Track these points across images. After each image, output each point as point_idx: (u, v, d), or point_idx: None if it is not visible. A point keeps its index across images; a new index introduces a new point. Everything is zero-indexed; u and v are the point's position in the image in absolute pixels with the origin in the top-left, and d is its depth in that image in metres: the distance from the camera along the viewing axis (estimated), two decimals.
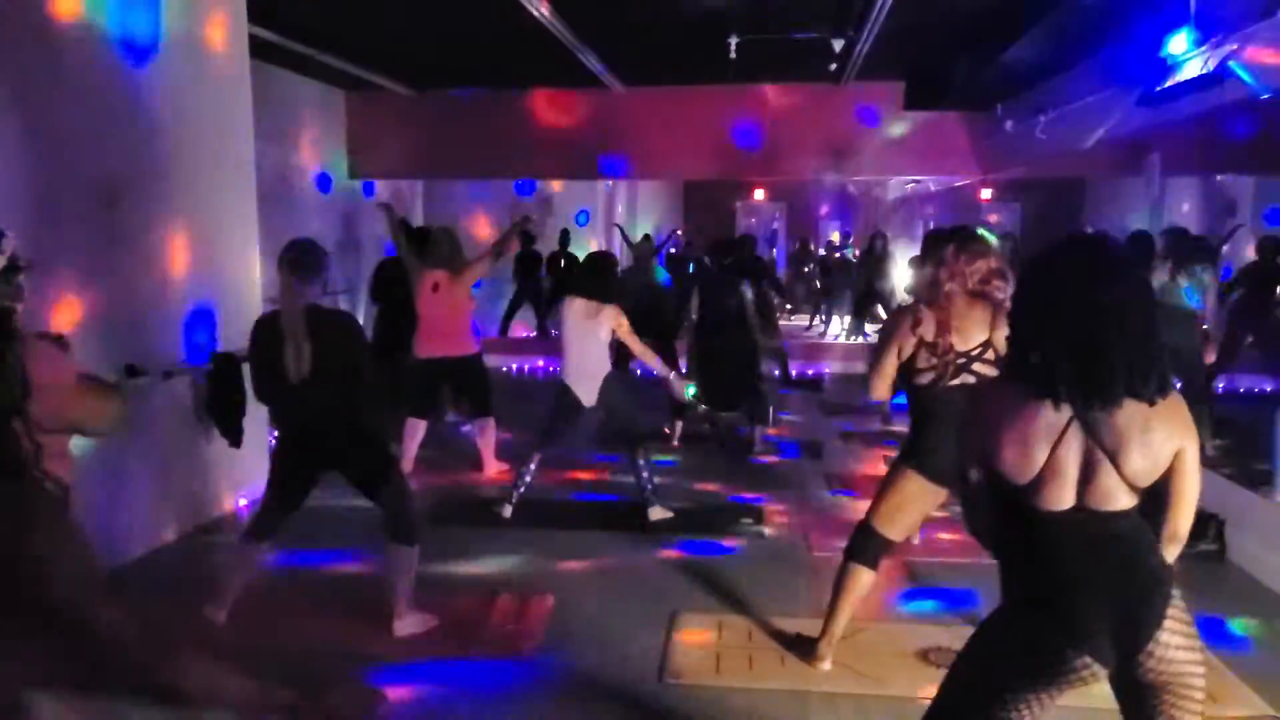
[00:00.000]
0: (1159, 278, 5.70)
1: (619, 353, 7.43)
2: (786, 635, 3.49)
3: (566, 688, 3.15)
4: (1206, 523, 4.47)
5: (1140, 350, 1.66)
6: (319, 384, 3.24)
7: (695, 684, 3.17)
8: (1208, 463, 5.02)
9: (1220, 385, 6.92)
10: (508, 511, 4.82)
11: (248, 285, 5.14)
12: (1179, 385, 6.22)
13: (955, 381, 2.92)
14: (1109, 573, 1.73)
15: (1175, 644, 1.72)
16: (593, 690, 3.13)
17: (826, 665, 3.23)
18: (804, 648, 3.32)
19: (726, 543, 4.58)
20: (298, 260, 3.30)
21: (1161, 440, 1.70)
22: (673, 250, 11.90)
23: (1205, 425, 5.66)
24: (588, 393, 4.70)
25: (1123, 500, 1.72)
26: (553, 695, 3.10)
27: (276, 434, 3.47)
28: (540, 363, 9.86)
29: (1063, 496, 1.72)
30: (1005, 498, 1.78)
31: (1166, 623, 1.71)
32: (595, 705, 3.04)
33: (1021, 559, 1.82)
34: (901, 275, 8.99)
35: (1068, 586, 1.74)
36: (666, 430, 6.61)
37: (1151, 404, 1.68)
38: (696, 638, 3.51)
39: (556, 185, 11.70)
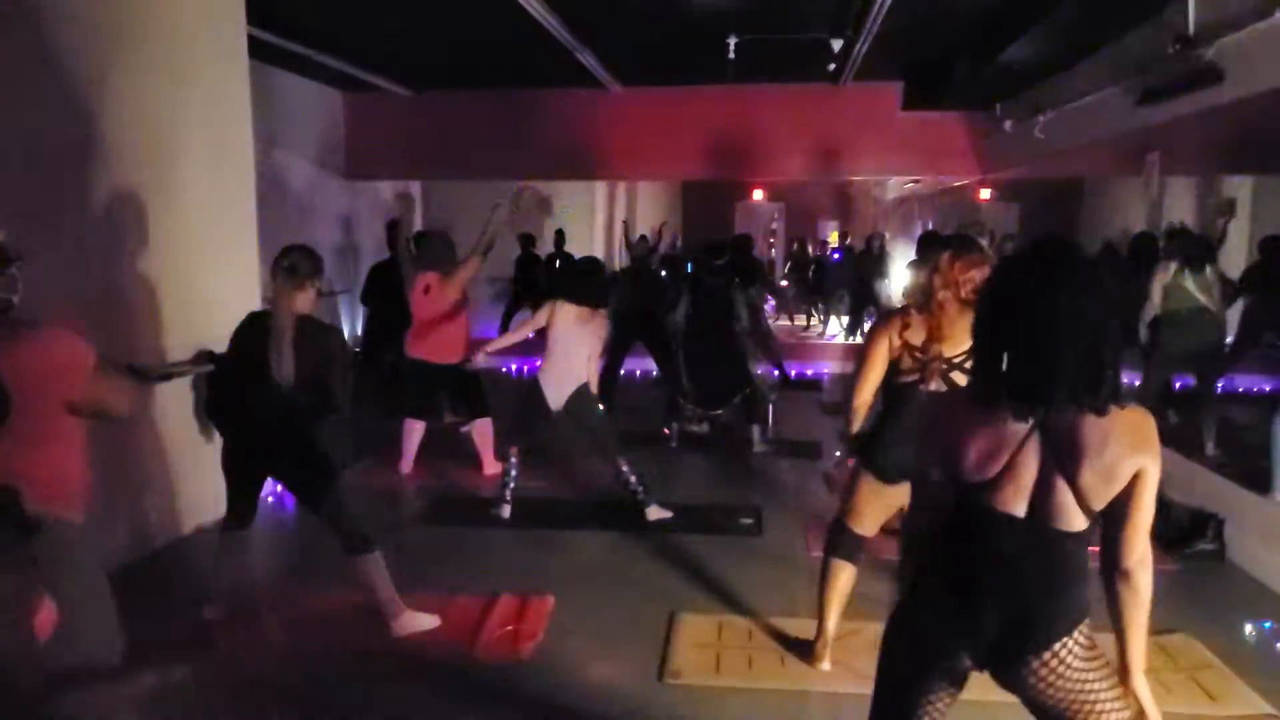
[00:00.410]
0: (1163, 277, 5.69)
1: (612, 355, 7.45)
2: (787, 637, 3.50)
3: (567, 687, 3.15)
4: (1206, 522, 4.48)
5: (1089, 358, 1.61)
6: (290, 391, 3.25)
7: (695, 684, 3.17)
8: (1208, 462, 5.06)
9: (1220, 385, 6.92)
10: (506, 512, 4.83)
11: (247, 286, 5.13)
12: (1193, 384, 6.20)
13: (933, 387, 2.96)
14: (1022, 580, 1.71)
15: (1063, 671, 1.68)
16: (593, 690, 3.13)
17: (826, 665, 3.25)
18: (802, 649, 3.34)
19: (726, 543, 4.58)
20: (293, 266, 3.31)
21: (1118, 457, 1.64)
22: (666, 251, 11.78)
23: (1210, 425, 5.66)
24: (556, 397, 4.72)
25: (1076, 521, 1.68)
26: (553, 695, 3.10)
27: (227, 433, 3.49)
28: (540, 363, 9.84)
29: (1016, 503, 1.70)
30: (960, 494, 1.77)
31: (1057, 647, 1.68)
32: (595, 705, 3.04)
33: (952, 544, 1.80)
34: (899, 277, 8.98)
35: (975, 581, 1.74)
36: (665, 430, 6.61)
37: (1101, 414, 1.63)
38: (696, 638, 3.51)
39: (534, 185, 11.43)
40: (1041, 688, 1.70)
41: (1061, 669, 1.68)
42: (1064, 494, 1.67)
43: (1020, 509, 1.70)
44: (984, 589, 1.73)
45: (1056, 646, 1.68)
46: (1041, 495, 1.68)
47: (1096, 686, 1.70)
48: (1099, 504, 1.68)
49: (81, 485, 2.12)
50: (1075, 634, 1.70)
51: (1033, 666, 1.69)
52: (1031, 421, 1.67)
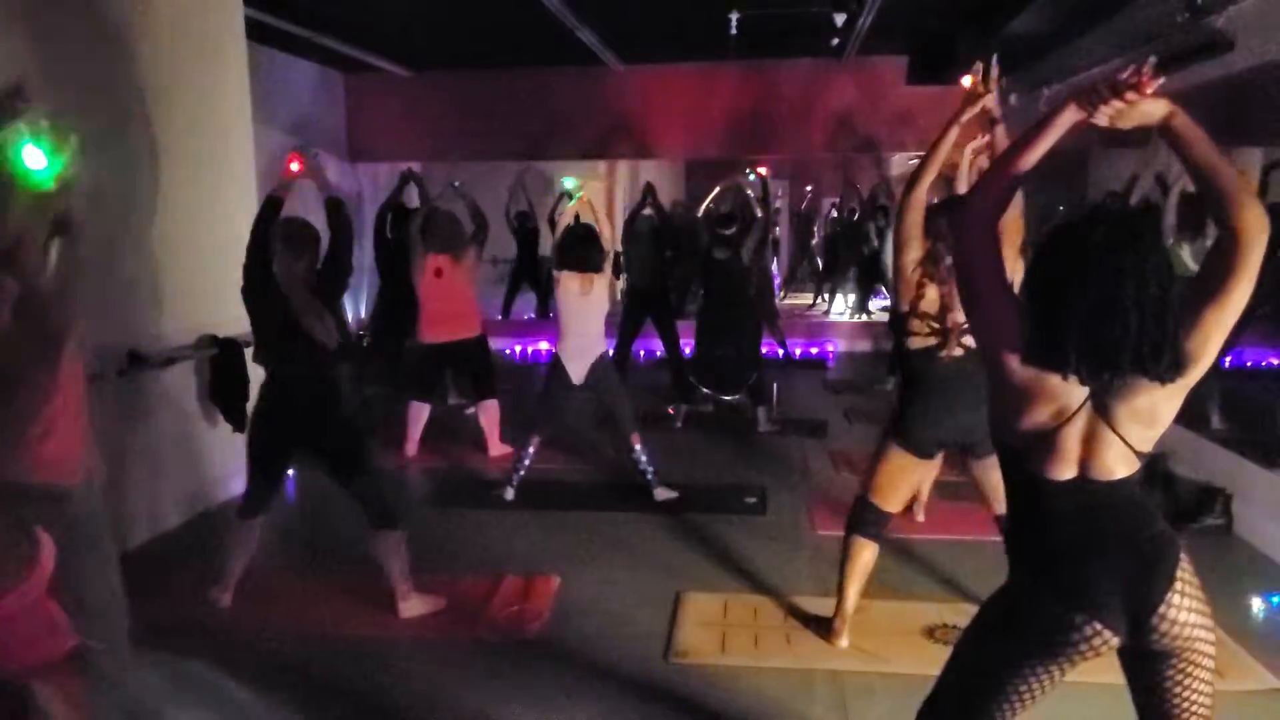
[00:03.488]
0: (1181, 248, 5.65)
1: (623, 332, 7.43)
2: (794, 614, 3.50)
3: (572, 667, 3.16)
4: (1213, 497, 4.45)
5: (1154, 323, 1.57)
6: (338, 350, 3.31)
7: (701, 663, 3.17)
8: (1215, 437, 5.03)
9: (1227, 359, 6.88)
10: (510, 494, 4.83)
11: None
12: None
13: (955, 352, 2.98)
14: (1114, 539, 1.70)
15: (1186, 607, 1.68)
16: (598, 670, 3.14)
17: (844, 642, 3.25)
18: (820, 626, 3.35)
19: (731, 522, 4.58)
20: (291, 236, 3.36)
21: (1161, 401, 1.66)
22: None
23: (1214, 397, 5.63)
24: (578, 370, 4.69)
25: (1120, 471, 1.68)
26: (558, 675, 3.11)
27: (258, 411, 3.49)
28: (545, 345, 9.84)
29: (1064, 468, 1.69)
30: (1010, 464, 1.77)
31: (1176, 584, 1.68)
32: (601, 684, 3.05)
33: (1027, 528, 1.80)
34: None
35: (1074, 554, 1.71)
36: (670, 410, 6.60)
37: (1164, 383, 1.61)
38: (702, 617, 3.51)
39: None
40: (1169, 634, 1.68)
41: (1185, 602, 1.67)
42: (1112, 452, 1.66)
43: (1068, 474, 1.69)
44: (1079, 559, 1.70)
45: (1176, 586, 1.67)
46: (1090, 459, 1.68)
47: (1206, 647, 1.70)
48: (1147, 448, 1.69)
49: (81, 449, 2.10)
50: (1182, 564, 1.70)
51: (1160, 614, 1.67)
52: (1085, 394, 1.65)
